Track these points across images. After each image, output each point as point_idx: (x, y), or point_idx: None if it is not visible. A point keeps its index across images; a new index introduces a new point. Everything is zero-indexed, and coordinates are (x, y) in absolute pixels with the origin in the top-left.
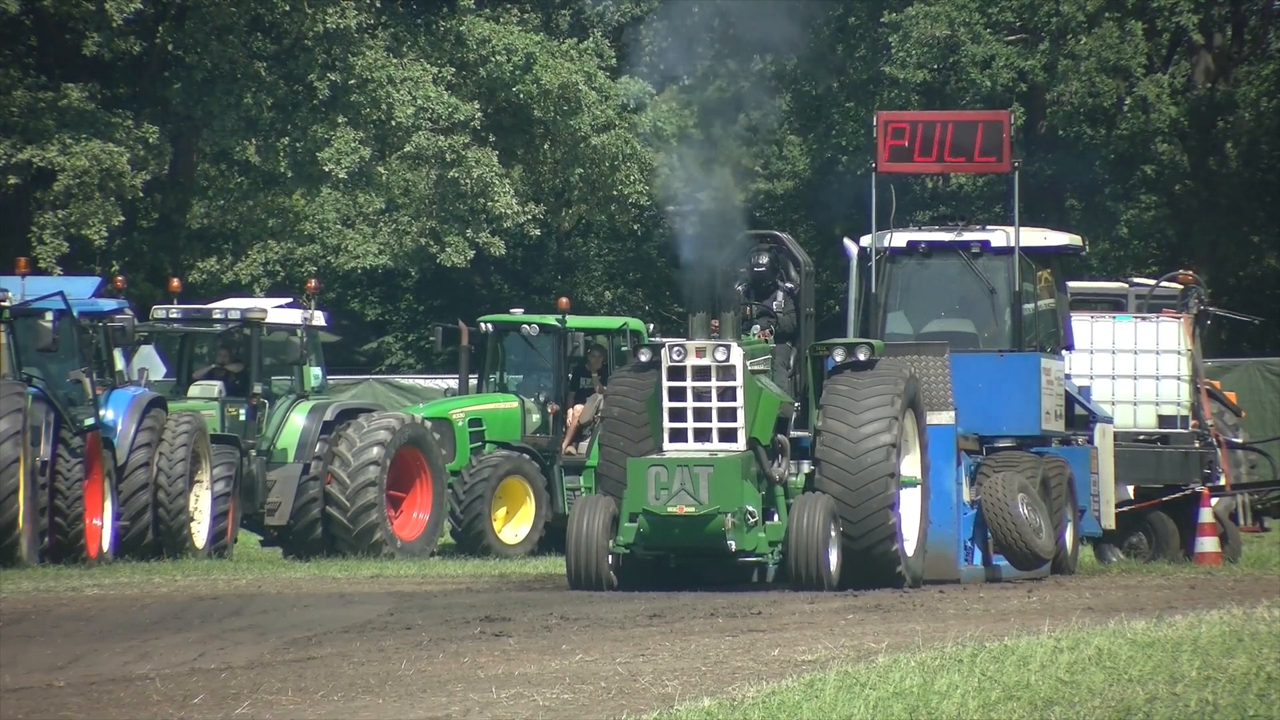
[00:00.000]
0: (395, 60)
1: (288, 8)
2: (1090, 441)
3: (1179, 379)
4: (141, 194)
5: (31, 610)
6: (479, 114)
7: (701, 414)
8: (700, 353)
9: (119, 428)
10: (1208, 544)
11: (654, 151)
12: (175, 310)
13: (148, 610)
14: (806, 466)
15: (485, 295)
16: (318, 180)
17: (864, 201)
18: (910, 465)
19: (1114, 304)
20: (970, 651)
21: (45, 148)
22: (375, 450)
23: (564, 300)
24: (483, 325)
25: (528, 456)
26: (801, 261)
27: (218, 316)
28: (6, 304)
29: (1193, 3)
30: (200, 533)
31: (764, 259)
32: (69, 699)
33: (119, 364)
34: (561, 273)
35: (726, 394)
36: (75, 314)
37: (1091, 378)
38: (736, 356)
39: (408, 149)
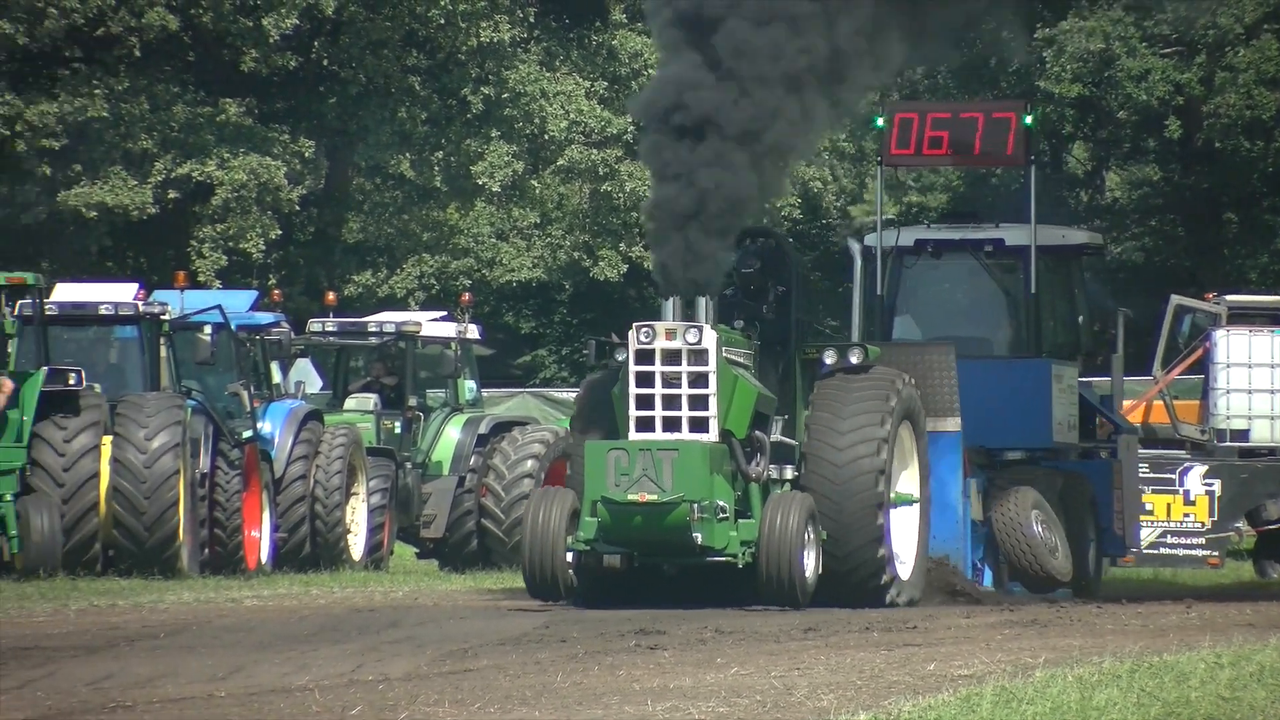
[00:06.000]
0: (548, 74)
1: (442, 22)
2: (1114, 455)
3: None
4: (298, 208)
5: (192, 621)
6: (631, 128)
7: (670, 401)
8: (670, 335)
9: (276, 440)
10: None
11: (805, 165)
12: (331, 323)
13: (306, 622)
14: (790, 472)
15: (638, 308)
16: (471, 194)
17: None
18: (908, 481)
19: (1273, 318)
20: (1129, 667)
21: (204, 162)
22: (530, 463)
23: None
24: None
25: None
26: (796, 264)
27: (373, 330)
28: (166, 318)
29: None
30: (356, 545)
31: (755, 260)
32: (230, 709)
33: (276, 377)
34: None
35: (698, 380)
36: (233, 327)
37: (1250, 392)
38: (709, 340)
39: (561, 163)
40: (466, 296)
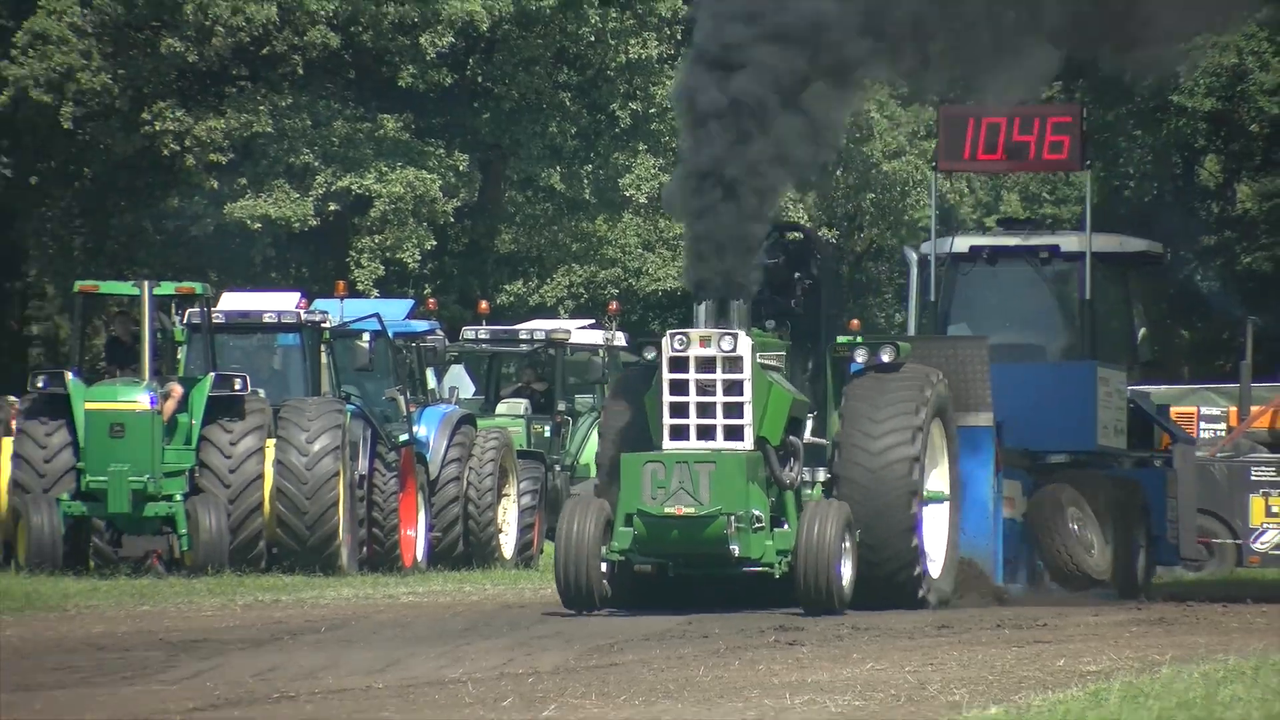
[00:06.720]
0: None
1: (592, 39)
2: (1169, 464)
3: None
4: (452, 219)
5: (352, 616)
6: None
7: (705, 409)
8: (704, 342)
9: (431, 444)
10: None
11: (943, 178)
12: (484, 331)
13: (459, 617)
14: (823, 475)
15: None
16: (619, 206)
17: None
18: (938, 478)
19: None
20: (1254, 664)
21: (363, 175)
22: None
23: (855, 322)
24: None
25: None
26: (827, 259)
27: (524, 337)
28: (326, 325)
29: None
30: (507, 544)
31: (781, 254)
32: (387, 700)
33: (431, 382)
34: (854, 296)
35: (733, 388)
36: (390, 335)
37: None
38: (744, 347)
39: None
40: (614, 305)
